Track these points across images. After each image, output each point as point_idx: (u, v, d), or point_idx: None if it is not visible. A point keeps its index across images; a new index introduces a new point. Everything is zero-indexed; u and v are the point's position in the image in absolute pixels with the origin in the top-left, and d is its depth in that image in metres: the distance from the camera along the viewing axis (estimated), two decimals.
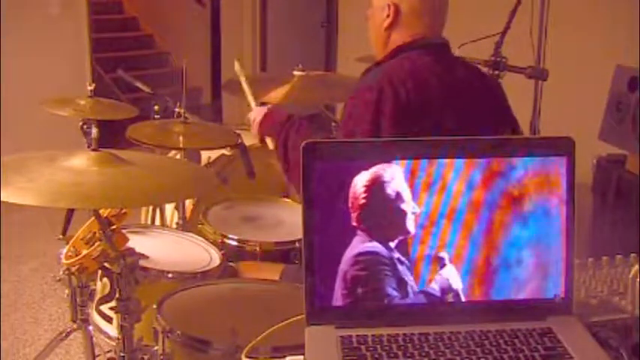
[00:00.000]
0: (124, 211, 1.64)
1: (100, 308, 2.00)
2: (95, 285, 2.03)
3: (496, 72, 2.53)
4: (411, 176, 1.17)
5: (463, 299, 1.19)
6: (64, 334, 2.20)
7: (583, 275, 1.39)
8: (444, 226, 1.18)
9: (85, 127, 2.64)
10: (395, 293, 1.17)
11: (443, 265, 1.18)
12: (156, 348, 1.63)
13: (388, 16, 1.89)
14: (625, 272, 1.40)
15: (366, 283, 1.17)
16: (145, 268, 1.86)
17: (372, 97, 1.79)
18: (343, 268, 1.17)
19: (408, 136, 1.53)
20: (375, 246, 1.17)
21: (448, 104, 1.84)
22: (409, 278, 1.17)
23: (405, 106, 1.78)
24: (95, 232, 1.60)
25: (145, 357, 1.67)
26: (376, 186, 1.16)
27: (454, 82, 1.89)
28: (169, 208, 2.73)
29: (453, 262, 1.18)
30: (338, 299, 1.17)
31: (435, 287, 1.18)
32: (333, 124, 2.64)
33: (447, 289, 1.18)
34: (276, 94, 2.51)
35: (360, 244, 1.17)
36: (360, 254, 1.17)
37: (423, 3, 1.89)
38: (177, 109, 2.58)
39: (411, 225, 1.17)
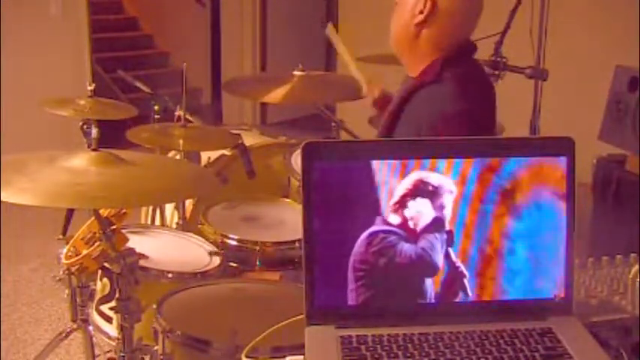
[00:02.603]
0: (124, 211, 1.64)
1: (100, 308, 2.00)
2: (95, 285, 2.03)
3: (496, 72, 2.53)
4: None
5: (463, 299, 1.19)
6: (64, 334, 2.20)
7: (583, 275, 1.39)
8: None
9: (85, 127, 2.63)
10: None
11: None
12: (156, 348, 1.63)
13: (422, 12, 1.78)
14: (625, 272, 1.40)
15: (377, 259, 1.17)
16: (145, 268, 1.86)
17: (464, 122, 1.72)
18: (354, 257, 1.16)
19: None
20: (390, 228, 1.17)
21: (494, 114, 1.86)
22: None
23: (486, 124, 1.77)
24: (95, 232, 1.61)
25: (145, 357, 1.67)
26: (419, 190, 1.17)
27: (493, 90, 1.91)
28: (169, 208, 2.73)
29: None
30: (339, 299, 1.17)
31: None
32: (333, 124, 2.63)
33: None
34: (276, 94, 2.51)
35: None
36: (373, 233, 1.17)
37: (462, 1, 1.80)
38: (177, 112, 2.57)
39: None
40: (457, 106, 1.73)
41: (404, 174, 1.17)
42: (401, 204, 1.17)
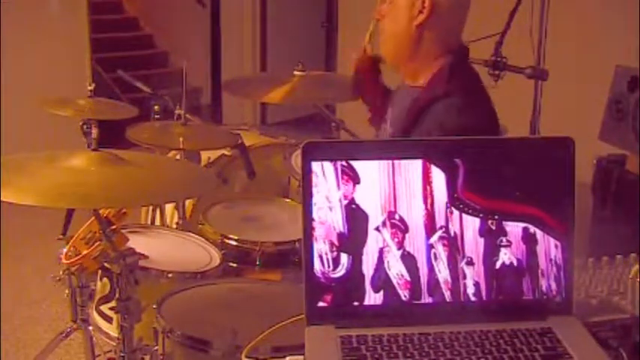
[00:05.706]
0: (124, 211, 1.64)
1: (100, 308, 2.00)
2: (95, 285, 2.03)
3: (496, 72, 2.53)
4: None
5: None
6: (64, 334, 2.20)
7: (583, 275, 1.39)
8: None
9: (85, 127, 2.63)
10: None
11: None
12: (156, 348, 1.63)
13: (421, 12, 1.65)
14: (625, 272, 1.39)
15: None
16: (145, 268, 1.86)
17: (486, 125, 1.66)
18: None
19: None
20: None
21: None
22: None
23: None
24: (95, 232, 1.61)
25: (145, 357, 1.67)
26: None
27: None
28: (169, 208, 2.73)
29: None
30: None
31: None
32: (333, 124, 2.64)
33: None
34: (276, 94, 2.50)
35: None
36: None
37: None
38: (177, 111, 2.58)
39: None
40: (462, 121, 1.64)
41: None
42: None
